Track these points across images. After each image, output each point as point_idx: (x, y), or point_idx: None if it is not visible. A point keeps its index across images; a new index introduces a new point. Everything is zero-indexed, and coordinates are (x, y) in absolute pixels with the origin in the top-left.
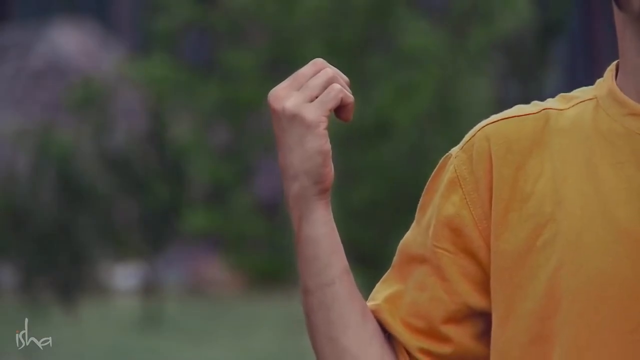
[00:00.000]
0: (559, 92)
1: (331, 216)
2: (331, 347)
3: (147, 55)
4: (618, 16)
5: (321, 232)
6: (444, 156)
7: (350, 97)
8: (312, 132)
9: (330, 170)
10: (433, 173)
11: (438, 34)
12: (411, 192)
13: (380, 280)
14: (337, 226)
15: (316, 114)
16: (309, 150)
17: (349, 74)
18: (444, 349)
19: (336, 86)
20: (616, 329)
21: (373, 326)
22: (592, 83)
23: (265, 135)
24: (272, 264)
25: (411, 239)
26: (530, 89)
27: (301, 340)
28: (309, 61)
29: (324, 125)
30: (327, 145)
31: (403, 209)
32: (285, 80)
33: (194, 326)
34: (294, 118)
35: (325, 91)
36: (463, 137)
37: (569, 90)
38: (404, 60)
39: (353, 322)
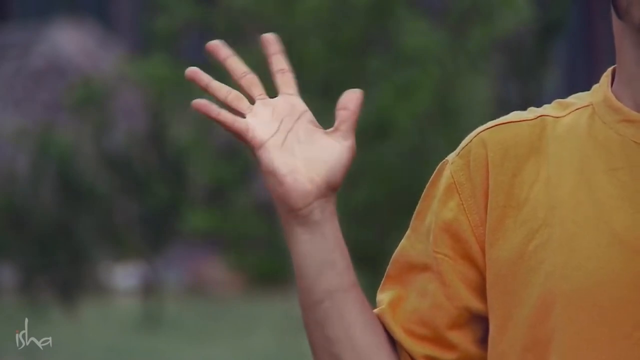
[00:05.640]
0: (559, 92)
1: (320, 230)
2: None
3: (147, 55)
4: (617, 25)
5: (306, 250)
6: (441, 162)
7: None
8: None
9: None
10: (430, 180)
11: (438, 34)
12: (410, 192)
13: (378, 291)
14: None
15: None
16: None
17: (349, 74)
18: (449, 355)
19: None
20: (610, 334)
21: (375, 337)
22: (591, 83)
23: None
24: (272, 264)
25: (409, 246)
26: (530, 89)
27: (301, 340)
28: (309, 61)
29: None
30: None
31: (402, 210)
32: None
33: (194, 326)
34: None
35: None
36: (463, 137)
37: (569, 90)
38: (404, 60)
39: (349, 336)
